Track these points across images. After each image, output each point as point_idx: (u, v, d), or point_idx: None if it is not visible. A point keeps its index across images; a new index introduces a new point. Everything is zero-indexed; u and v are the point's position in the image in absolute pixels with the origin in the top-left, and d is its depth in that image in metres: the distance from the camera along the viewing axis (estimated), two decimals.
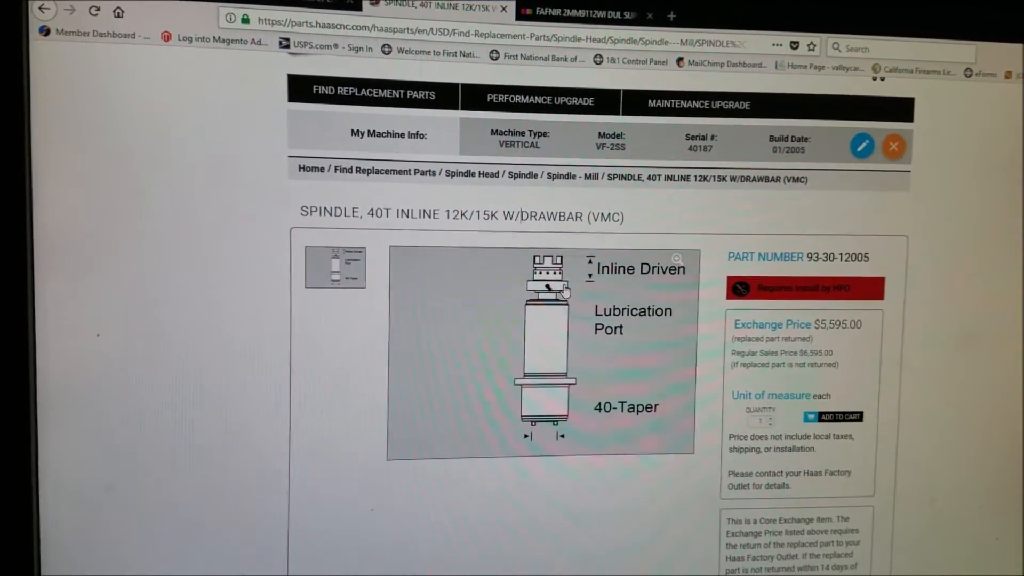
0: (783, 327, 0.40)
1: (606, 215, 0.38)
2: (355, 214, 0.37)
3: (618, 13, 0.37)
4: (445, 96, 0.37)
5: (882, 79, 0.39)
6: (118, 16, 0.34)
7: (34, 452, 0.35)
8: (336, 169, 0.36)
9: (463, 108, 0.37)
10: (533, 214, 0.38)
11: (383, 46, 0.36)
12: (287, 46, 0.35)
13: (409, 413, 0.38)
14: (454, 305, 0.38)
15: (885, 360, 0.41)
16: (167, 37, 0.35)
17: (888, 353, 0.41)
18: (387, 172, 0.37)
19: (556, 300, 0.38)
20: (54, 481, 0.36)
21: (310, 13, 0.35)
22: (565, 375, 0.39)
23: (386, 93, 0.36)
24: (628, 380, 0.39)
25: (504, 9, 0.37)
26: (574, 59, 0.37)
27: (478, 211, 0.38)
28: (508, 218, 0.38)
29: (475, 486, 0.38)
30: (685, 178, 0.38)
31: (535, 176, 0.38)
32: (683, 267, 0.39)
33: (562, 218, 0.38)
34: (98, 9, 0.34)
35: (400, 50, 0.36)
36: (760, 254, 0.39)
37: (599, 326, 0.39)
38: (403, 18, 0.36)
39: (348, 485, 0.38)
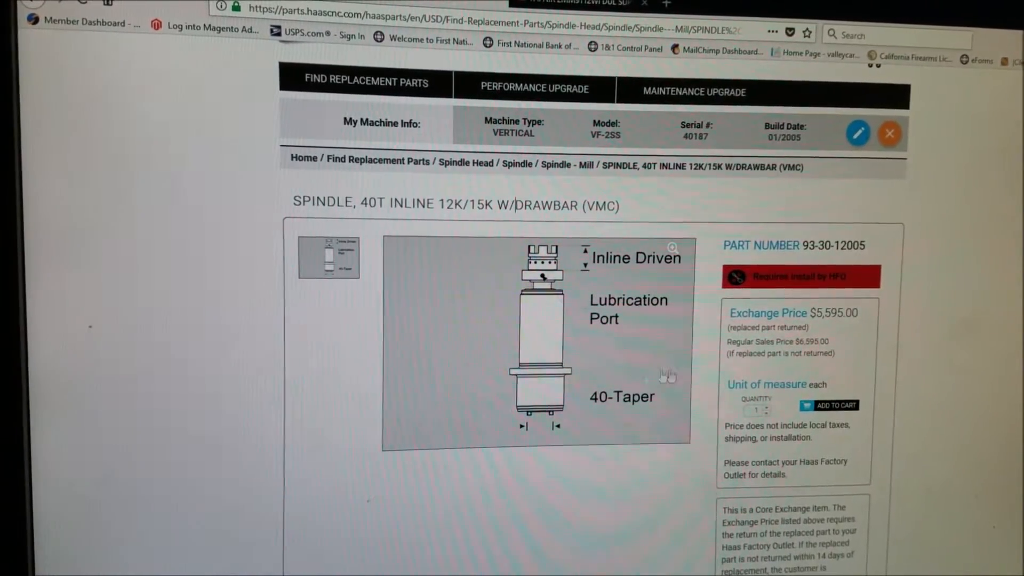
0: (779, 315, 0.40)
1: (601, 204, 0.38)
2: (348, 204, 0.36)
3: (613, 0, 0.37)
4: (438, 84, 0.36)
5: (878, 66, 0.39)
6: (107, 4, 0.34)
7: (27, 447, 0.35)
8: (329, 158, 0.36)
9: (456, 96, 0.37)
10: (528, 203, 0.38)
11: (375, 33, 0.36)
12: (278, 34, 0.35)
13: (404, 404, 0.38)
14: (448, 295, 0.37)
15: (881, 348, 0.41)
16: (157, 25, 0.34)
17: (884, 341, 0.41)
18: (380, 161, 0.36)
19: (551, 290, 0.38)
20: (47, 477, 0.35)
21: (302, 0, 0.35)
22: (560, 365, 0.39)
23: (379, 81, 0.36)
24: (623, 370, 0.39)
25: None
26: (568, 46, 0.37)
27: (472, 200, 0.37)
28: (502, 207, 0.38)
29: (471, 476, 0.38)
30: (680, 166, 0.38)
31: (529, 165, 0.37)
32: (678, 256, 0.39)
33: (557, 207, 0.38)
34: None
35: (393, 37, 0.36)
36: (756, 242, 0.39)
37: (594, 315, 0.39)
38: (396, 4, 0.36)
39: (343, 476, 0.37)
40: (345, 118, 0.36)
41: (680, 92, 0.38)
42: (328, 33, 0.35)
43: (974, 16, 0.39)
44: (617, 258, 0.39)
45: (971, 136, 0.40)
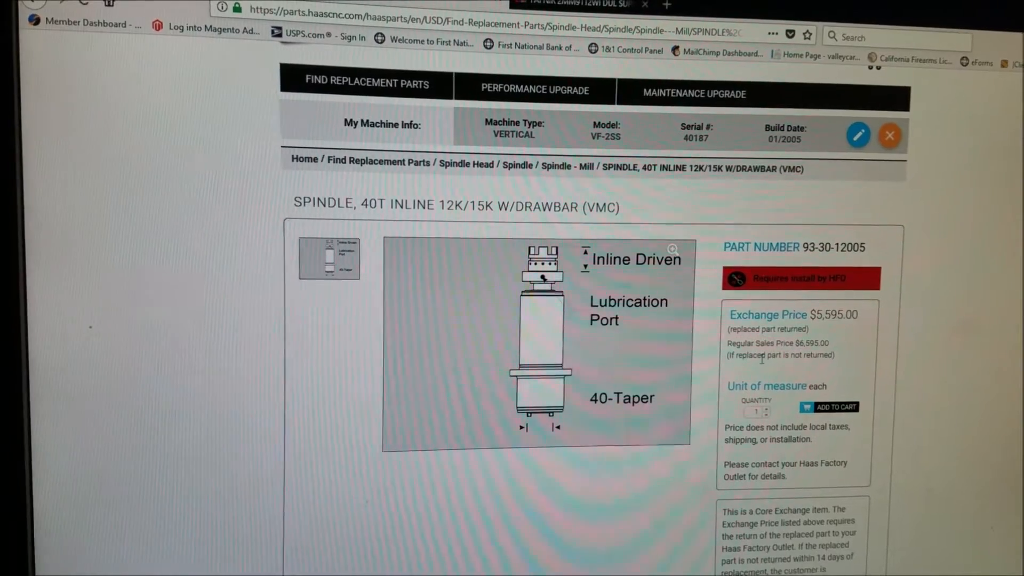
0: (779, 317, 0.40)
1: (601, 205, 0.38)
2: (349, 205, 0.36)
3: (613, 1, 0.37)
4: (439, 85, 0.36)
5: (878, 68, 0.39)
6: (108, 5, 0.34)
7: (27, 446, 0.35)
8: (330, 159, 0.36)
9: (457, 97, 0.37)
10: (528, 204, 0.38)
11: (376, 35, 0.36)
12: (279, 35, 0.35)
13: (404, 405, 0.38)
14: (449, 296, 0.37)
15: (881, 350, 0.41)
16: (158, 26, 0.34)
17: (884, 343, 0.41)
18: (381, 162, 0.37)
19: (551, 291, 0.38)
20: (48, 476, 0.35)
21: (302, 2, 0.35)
22: (560, 366, 0.39)
23: (380, 82, 0.36)
24: (624, 371, 0.39)
25: None
26: (569, 48, 0.37)
27: (472, 202, 0.37)
28: (503, 209, 0.38)
29: (470, 478, 0.38)
30: (681, 168, 0.38)
31: (530, 166, 0.38)
32: (679, 257, 0.39)
33: (557, 208, 0.38)
34: None
35: (393, 39, 0.36)
36: (756, 244, 0.39)
37: (594, 317, 0.39)
38: (396, 6, 0.36)
39: (343, 477, 0.37)
40: (346, 119, 0.36)
41: (680, 94, 0.38)
42: (329, 34, 0.36)
43: (974, 18, 0.39)
44: (617, 259, 0.39)
45: (971, 138, 0.40)
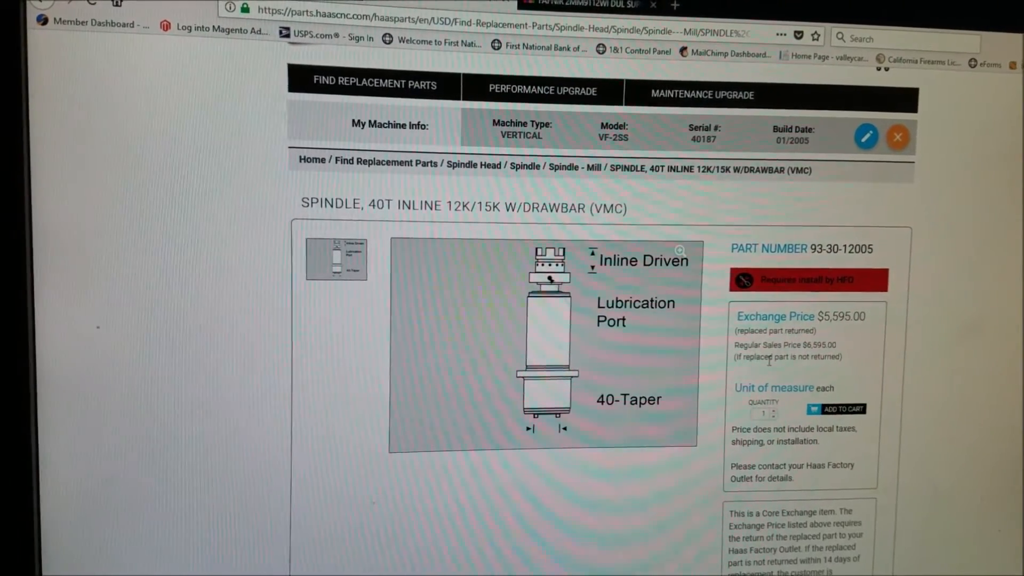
0: (786, 319, 0.40)
1: (608, 206, 0.38)
2: (356, 206, 0.36)
3: (621, 2, 0.37)
4: (446, 86, 0.36)
5: (886, 69, 0.39)
6: (116, 5, 0.34)
7: (34, 447, 0.35)
8: (337, 160, 0.36)
9: (465, 98, 0.37)
10: (535, 205, 0.38)
11: (384, 35, 0.36)
12: (287, 35, 0.35)
13: (411, 406, 0.38)
14: (456, 297, 0.37)
15: (888, 352, 0.40)
16: (166, 26, 0.34)
17: (891, 345, 0.40)
18: (388, 163, 0.36)
19: (558, 292, 0.38)
20: (55, 476, 0.35)
21: (310, 2, 0.35)
22: (567, 367, 0.39)
23: (387, 83, 0.36)
24: (630, 372, 0.39)
25: None
26: (577, 49, 0.37)
27: (480, 203, 0.37)
28: (510, 210, 0.38)
29: (477, 479, 0.38)
30: (688, 169, 0.38)
31: (537, 167, 0.37)
32: (686, 259, 0.39)
33: (564, 209, 0.38)
34: None
35: (401, 39, 0.36)
36: (764, 245, 0.39)
37: (601, 318, 0.39)
38: (404, 7, 0.36)
39: (350, 478, 0.37)
40: (353, 120, 0.36)
41: (688, 95, 0.38)
42: (337, 35, 0.36)
43: (982, 20, 0.39)
44: (624, 261, 0.38)
45: (979, 140, 0.40)
